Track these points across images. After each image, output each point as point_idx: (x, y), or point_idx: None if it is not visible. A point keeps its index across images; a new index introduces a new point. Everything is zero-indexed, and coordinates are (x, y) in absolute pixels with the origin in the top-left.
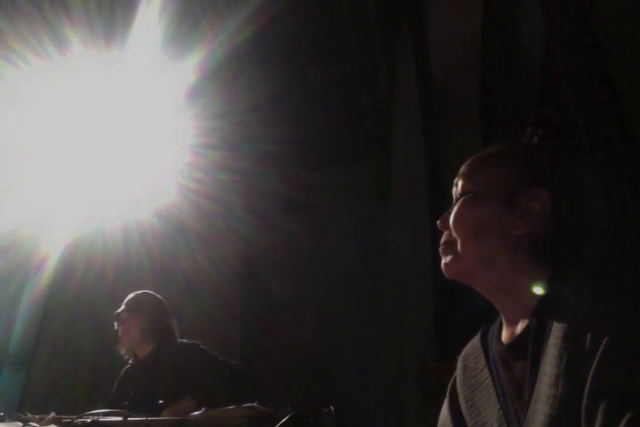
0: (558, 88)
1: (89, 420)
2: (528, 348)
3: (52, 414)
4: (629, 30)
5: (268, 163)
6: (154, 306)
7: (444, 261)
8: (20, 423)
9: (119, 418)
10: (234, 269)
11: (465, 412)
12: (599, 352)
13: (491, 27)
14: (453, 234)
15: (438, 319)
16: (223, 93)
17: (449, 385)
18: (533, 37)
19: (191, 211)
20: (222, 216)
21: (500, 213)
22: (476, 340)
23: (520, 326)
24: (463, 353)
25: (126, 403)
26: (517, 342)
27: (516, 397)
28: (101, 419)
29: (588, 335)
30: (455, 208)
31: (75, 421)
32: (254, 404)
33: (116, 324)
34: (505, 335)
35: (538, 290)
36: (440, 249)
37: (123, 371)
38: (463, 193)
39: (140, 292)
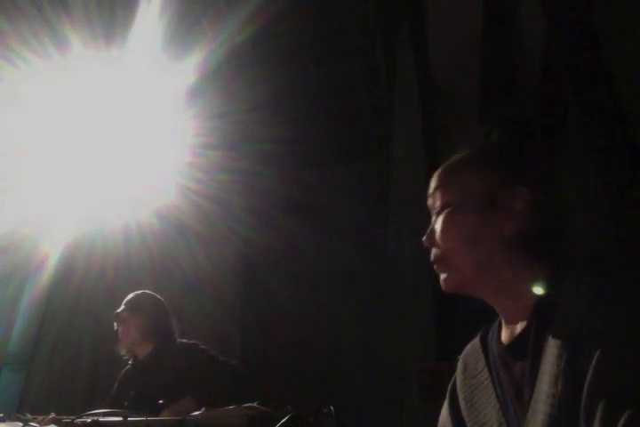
0: (558, 88)
1: (89, 420)
2: (527, 348)
3: (52, 415)
4: (629, 30)
5: (268, 163)
6: (153, 306)
7: (442, 277)
8: (20, 424)
9: (119, 418)
10: (234, 269)
11: (465, 412)
12: (598, 351)
13: (491, 27)
14: (442, 249)
15: (438, 319)
16: (223, 93)
17: (449, 386)
18: (533, 37)
19: (191, 211)
20: (222, 216)
21: (485, 218)
22: (476, 340)
23: (519, 327)
24: (463, 354)
25: (126, 403)
26: (517, 342)
27: (515, 397)
28: (101, 419)
29: (588, 335)
30: (439, 223)
31: (75, 421)
32: (254, 404)
33: (115, 324)
34: (504, 336)
35: (538, 290)
36: (435, 268)
37: (123, 371)
38: (443, 206)
39: (139, 292)
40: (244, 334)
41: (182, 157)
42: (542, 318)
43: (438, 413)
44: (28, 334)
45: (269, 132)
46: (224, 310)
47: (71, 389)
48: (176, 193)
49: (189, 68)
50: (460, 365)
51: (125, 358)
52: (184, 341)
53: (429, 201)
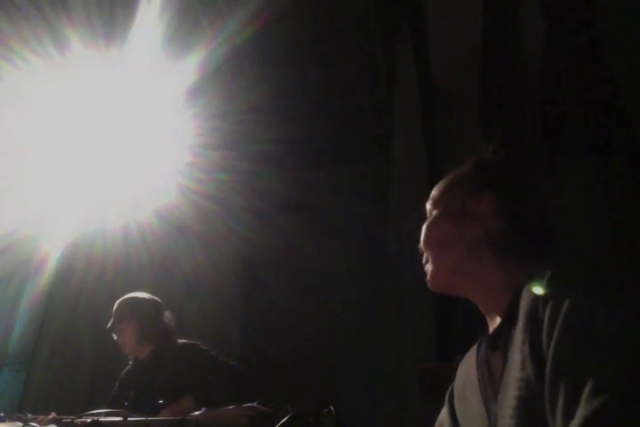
0: (558, 88)
1: (89, 420)
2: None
3: (52, 415)
4: (629, 30)
5: (268, 163)
6: (139, 310)
7: (427, 278)
8: (20, 424)
9: (119, 418)
10: (234, 269)
11: (458, 410)
12: (556, 331)
13: (491, 27)
14: (426, 253)
15: (438, 319)
16: (223, 93)
17: (449, 388)
18: (533, 37)
19: (191, 211)
20: (222, 216)
21: (456, 224)
22: (476, 343)
23: (498, 321)
24: (465, 356)
25: (126, 403)
26: (494, 335)
27: (493, 388)
28: (101, 419)
29: (546, 316)
30: (422, 231)
31: (75, 421)
32: (254, 404)
33: (114, 337)
34: (489, 332)
35: (512, 286)
36: (425, 269)
37: (123, 371)
38: (428, 217)
39: (121, 299)
40: (243, 334)
41: (182, 157)
42: (515, 310)
43: (438, 413)
44: (28, 334)
45: (269, 132)
46: (224, 310)
47: (71, 389)
48: (176, 193)
49: (189, 68)
50: (460, 367)
51: (128, 358)
52: (185, 341)
53: (427, 210)
